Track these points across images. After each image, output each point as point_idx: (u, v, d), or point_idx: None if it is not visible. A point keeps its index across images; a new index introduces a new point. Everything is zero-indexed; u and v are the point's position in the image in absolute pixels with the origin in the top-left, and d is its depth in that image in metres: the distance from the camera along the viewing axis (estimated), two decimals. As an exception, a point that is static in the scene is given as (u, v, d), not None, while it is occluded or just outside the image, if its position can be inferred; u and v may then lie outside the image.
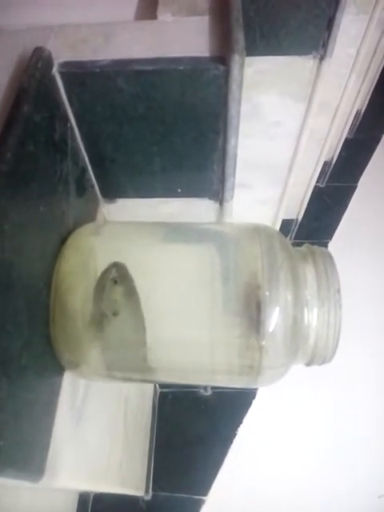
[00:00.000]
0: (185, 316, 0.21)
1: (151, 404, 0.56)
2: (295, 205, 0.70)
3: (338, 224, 0.79)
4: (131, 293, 0.20)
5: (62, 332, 0.20)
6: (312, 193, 0.68)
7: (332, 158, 0.83)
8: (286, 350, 0.21)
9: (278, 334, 0.20)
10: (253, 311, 0.20)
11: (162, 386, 0.59)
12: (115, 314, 0.20)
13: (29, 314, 0.18)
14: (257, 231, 0.23)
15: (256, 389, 0.58)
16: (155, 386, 0.58)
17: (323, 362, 0.22)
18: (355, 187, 0.85)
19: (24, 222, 0.17)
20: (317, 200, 0.78)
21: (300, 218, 0.73)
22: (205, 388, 0.59)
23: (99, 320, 0.20)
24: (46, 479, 0.19)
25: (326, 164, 0.82)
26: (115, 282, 0.21)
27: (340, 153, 0.82)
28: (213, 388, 0.59)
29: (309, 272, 0.22)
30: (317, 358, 0.22)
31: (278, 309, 0.20)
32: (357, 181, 0.86)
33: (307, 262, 0.22)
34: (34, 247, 0.19)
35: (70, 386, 0.22)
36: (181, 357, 0.22)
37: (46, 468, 0.20)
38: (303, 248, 0.23)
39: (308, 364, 0.22)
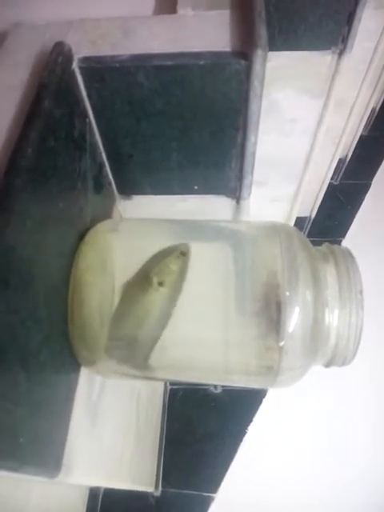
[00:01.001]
0: (199, 315, 0.21)
1: (162, 401, 0.56)
2: (309, 202, 0.70)
3: (351, 222, 0.78)
4: (182, 276, 0.20)
5: (80, 329, 0.20)
6: (326, 190, 0.67)
7: (346, 156, 0.82)
8: (306, 351, 0.20)
9: (297, 334, 0.20)
10: (272, 311, 0.20)
11: (173, 382, 0.59)
12: (161, 284, 0.20)
13: (47, 310, 0.18)
14: (275, 230, 0.22)
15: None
16: (166, 383, 0.58)
17: (343, 363, 0.22)
18: (369, 185, 0.84)
19: (44, 218, 0.17)
20: (330, 197, 0.77)
21: (313, 216, 0.73)
22: (215, 386, 0.59)
23: (140, 284, 0.20)
24: (62, 475, 0.19)
25: (340, 161, 0.81)
26: (183, 254, 0.20)
27: (354, 150, 0.81)
28: (223, 386, 0.59)
29: (329, 272, 0.21)
30: (337, 359, 0.21)
31: (297, 309, 0.20)
32: (371, 178, 0.85)
33: (328, 262, 0.21)
34: (53, 243, 0.19)
35: (87, 382, 0.22)
36: (194, 356, 0.22)
37: (63, 464, 0.20)
38: (323, 247, 0.23)
39: (327, 365, 0.22)
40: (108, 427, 0.27)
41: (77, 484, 0.27)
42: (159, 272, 0.20)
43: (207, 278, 0.21)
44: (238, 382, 0.23)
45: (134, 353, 0.21)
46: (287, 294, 0.20)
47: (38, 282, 0.17)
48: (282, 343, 0.20)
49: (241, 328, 0.21)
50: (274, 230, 0.22)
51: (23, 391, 0.16)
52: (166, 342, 0.21)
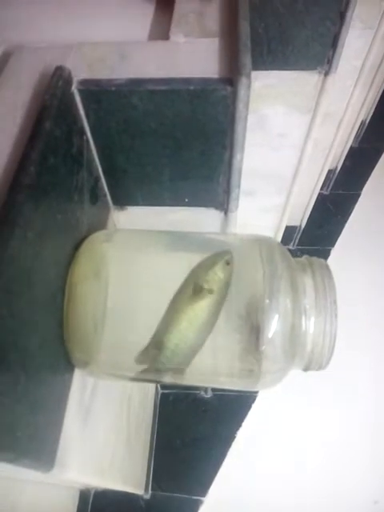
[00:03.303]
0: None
1: (153, 405, 0.57)
2: (299, 212, 0.71)
3: (340, 231, 0.80)
4: (227, 284, 0.22)
5: (75, 332, 0.22)
6: (316, 200, 0.69)
7: (336, 167, 0.84)
8: (284, 356, 0.22)
9: (276, 340, 0.22)
10: (253, 318, 0.22)
11: (164, 387, 0.60)
12: (210, 292, 0.21)
13: (45, 315, 0.19)
14: (258, 242, 0.24)
15: (256, 392, 0.59)
16: (157, 387, 0.59)
17: (319, 368, 0.23)
18: (359, 195, 0.86)
19: (43, 229, 0.19)
20: (320, 207, 0.79)
21: (303, 225, 0.75)
22: (205, 390, 0.61)
23: (188, 293, 0.21)
24: (55, 471, 0.21)
25: (330, 172, 0.83)
26: (228, 263, 0.22)
27: (344, 161, 0.83)
28: (213, 390, 0.60)
29: (307, 282, 0.23)
30: (313, 363, 0.23)
31: (277, 316, 0.22)
32: (360, 189, 0.87)
33: (306, 273, 0.23)
34: (51, 253, 0.20)
35: (80, 383, 0.24)
36: (187, 361, 0.23)
37: (56, 460, 0.21)
38: (303, 259, 0.24)
39: (305, 369, 0.23)
40: (100, 428, 0.28)
41: (69, 481, 0.28)
42: (209, 280, 0.22)
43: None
44: (224, 384, 0.25)
45: (171, 360, 0.22)
46: (267, 302, 0.22)
47: (37, 289, 0.18)
48: (262, 348, 0.21)
49: (227, 334, 0.22)
50: (257, 242, 0.24)
51: (22, 390, 0.17)
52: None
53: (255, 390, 0.23)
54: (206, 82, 0.22)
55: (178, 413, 0.59)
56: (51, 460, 0.20)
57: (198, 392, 0.61)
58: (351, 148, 0.83)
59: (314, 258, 0.24)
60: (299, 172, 0.49)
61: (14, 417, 0.16)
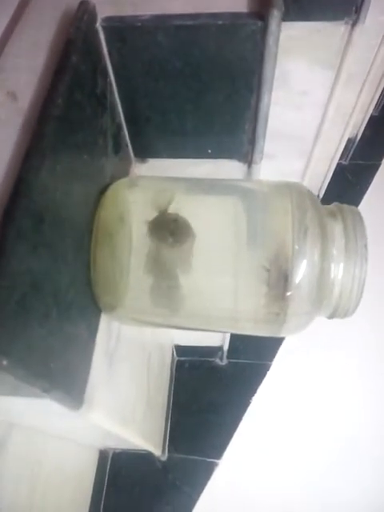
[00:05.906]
0: (213, 266, 0.23)
1: (169, 371, 0.58)
2: (317, 181, 0.70)
3: (359, 202, 0.78)
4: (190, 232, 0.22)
5: (102, 275, 0.22)
6: (335, 170, 0.67)
7: (356, 135, 0.81)
8: (312, 301, 0.22)
9: (304, 285, 0.21)
10: (281, 263, 0.21)
11: (179, 354, 0.61)
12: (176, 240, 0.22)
13: (74, 254, 0.19)
14: (287, 187, 0.23)
15: (271, 360, 0.59)
16: (173, 353, 0.60)
17: (345, 314, 0.23)
18: (378, 165, 0.84)
19: (71, 166, 0.19)
20: (339, 177, 0.77)
21: (321, 195, 0.73)
22: (221, 358, 0.61)
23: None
24: (84, 408, 0.21)
25: (349, 141, 0.81)
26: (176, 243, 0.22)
27: (364, 130, 0.81)
28: (228, 358, 0.61)
29: (337, 228, 0.22)
30: (340, 310, 0.23)
31: (305, 261, 0.21)
32: (380, 159, 0.85)
33: (336, 219, 0.23)
34: (79, 193, 0.20)
35: (106, 329, 0.24)
36: (207, 305, 0.23)
37: (85, 399, 0.21)
38: (332, 206, 0.24)
39: (330, 316, 0.23)
40: (123, 378, 0.29)
41: (95, 426, 0.28)
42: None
43: (220, 230, 0.23)
44: (247, 329, 0.24)
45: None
46: (296, 247, 0.21)
47: (67, 225, 0.18)
48: (289, 293, 0.21)
49: (252, 278, 0.22)
50: (286, 187, 0.23)
51: (54, 323, 0.17)
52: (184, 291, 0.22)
53: (279, 335, 0.23)
54: (234, 16, 0.21)
55: (194, 379, 0.60)
56: (80, 397, 0.21)
57: (213, 359, 0.62)
58: (371, 116, 0.80)
59: (345, 205, 0.23)
60: (321, 134, 0.48)
61: (47, 347, 0.17)
